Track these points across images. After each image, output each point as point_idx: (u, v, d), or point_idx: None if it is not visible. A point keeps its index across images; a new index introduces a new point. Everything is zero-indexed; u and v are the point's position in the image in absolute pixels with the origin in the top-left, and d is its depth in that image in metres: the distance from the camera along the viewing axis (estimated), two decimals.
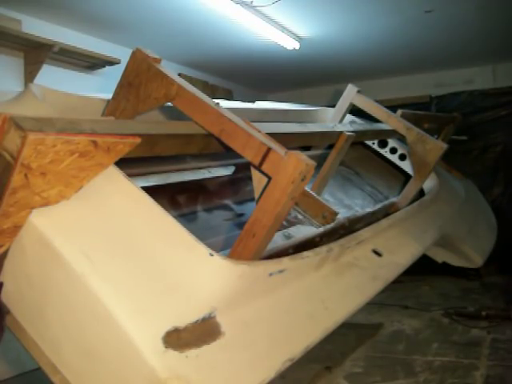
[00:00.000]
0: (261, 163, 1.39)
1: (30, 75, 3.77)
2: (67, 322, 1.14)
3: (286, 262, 1.47)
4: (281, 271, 1.41)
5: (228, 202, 2.32)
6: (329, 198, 2.88)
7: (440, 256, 3.47)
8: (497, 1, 3.76)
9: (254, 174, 1.47)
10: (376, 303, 4.12)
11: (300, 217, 2.23)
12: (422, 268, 4.04)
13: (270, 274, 1.37)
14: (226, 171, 2.46)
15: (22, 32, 3.57)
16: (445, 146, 2.88)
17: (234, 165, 2.47)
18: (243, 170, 2.40)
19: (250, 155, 1.42)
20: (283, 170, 1.34)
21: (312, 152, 3.27)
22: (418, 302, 4.21)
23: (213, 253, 1.20)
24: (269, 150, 1.38)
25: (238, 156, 2.24)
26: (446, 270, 4.37)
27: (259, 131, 1.50)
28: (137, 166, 1.80)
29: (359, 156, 3.86)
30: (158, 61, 1.63)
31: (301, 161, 1.33)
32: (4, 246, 1.15)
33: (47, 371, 1.16)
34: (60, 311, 1.14)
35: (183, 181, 2.16)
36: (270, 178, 1.39)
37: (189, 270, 1.19)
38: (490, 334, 3.35)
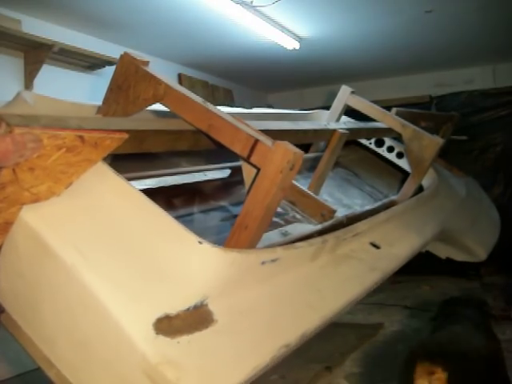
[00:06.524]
0: (249, 155, 1.40)
1: (29, 75, 3.77)
2: (60, 315, 1.15)
3: (279, 251, 1.47)
4: (274, 260, 1.42)
5: (224, 203, 2.32)
6: (327, 198, 2.88)
7: (443, 252, 3.46)
8: (497, 1, 3.76)
9: (244, 166, 1.49)
10: (376, 303, 4.12)
11: (298, 216, 2.23)
12: (422, 268, 4.04)
13: (263, 263, 1.37)
14: (221, 174, 2.46)
15: (21, 32, 3.57)
16: (441, 140, 2.86)
17: (230, 168, 2.47)
18: (238, 173, 2.40)
19: (238, 148, 1.43)
20: (271, 160, 1.36)
21: (309, 155, 3.26)
22: (418, 302, 4.21)
23: (202, 240, 1.21)
24: (256, 141, 1.39)
25: (233, 159, 2.24)
26: (446, 269, 4.38)
27: (247, 125, 1.51)
28: (132, 169, 1.81)
29: (357, 157, 3.87)
30: (145, 63, 1.65)
31: (288, 150, 1.34)
32: None
33: (43, 366, 1.17)
34: (53, 305, 1.16)
35: (179, 184, 2.16)
36: (259, 170, 1.40)
37: (178, 258, 1.20)
38: None
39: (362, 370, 3.04)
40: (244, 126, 1.48)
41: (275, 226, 2.08)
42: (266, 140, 1.42)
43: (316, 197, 2.30)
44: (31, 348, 1.18)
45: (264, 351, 1.20)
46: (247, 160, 1.43)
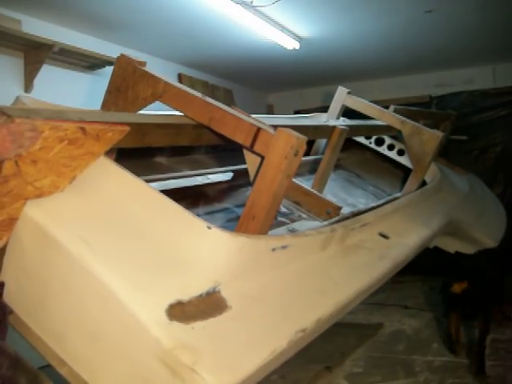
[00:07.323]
0: (252, 144, 1.41)
1: (29, 75, 3.77)
2: (69, 309, 1.14)
3: (288, 238, 1.47)
4: (284, 247, 1.41)
5: (228, 205, 2.32)
6: (332, 198, 2.89)
7: (452, 246, 3.46)
8: (496, 1, 3.76)
9: (247, 156, 1.49)
10: (376, 303, 4.12)
11: (304, 216, 2.23)
12: (422, 268, 4.04)
13: (273, 249, 1.36)
14: (224, 177, 2.47)
15: (22, 32, 3.57)
16: (441, 134, 2.85)
17: (232, 171, 2.48)
18: (241, 176, 2.40)
19: (240, 138, 1.44)
20: (274, 147, 1.36)
21: (309, 157, 3.26)
22: (418, 302, 4.21)
23: (210, 225, 1.20)
24: (259, 129, 1.40)
25: (236, 162, 2.23)
26: (446, 270, 4.37)
27: (248, 116, 1.51)
28: (136, 174, 1.84)
29: (358, 160, 3.89)
30: (142, 63, 1.67)
31: (291, 136, 1.34)
32: (1, 239, 1.15)
33: (54, 365, 1.15)
34: (61, 299, 1.14)
35: (182, 187, 2.16)
36: (263, 158, 1.40)
37: (187, 244, 1.19)
38: (490, 334, 3.35)
39: (362, 370, 3.04)
40: (245, 116, 1.49)
41: (282, 225, 2.08)
42: (268, 128, 1.42)
43: (320, 195, 2.30)
44: (41, 346, 1.17)
45: (280, 335, 1.19)
46: (250, 149, 1.43)
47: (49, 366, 1.17)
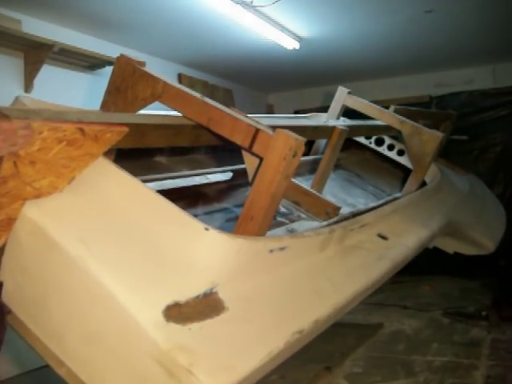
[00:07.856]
0: (251, 145, 1.41)
1: (29, 75, 3.77)
2: (68, 310, 1.14)
3: (286, 239, 1.47)
4: (282, 248, 1.41)
5: (227, 205, 2.32)
6: (332, 198, 2.89)
7: (451, 247, 3.46)
8: (497, 0, 3.76)
9: (246, 157, 1.49)
10: (376, 303, 4.12)
11: (303, 216, 2.23)
12: (422, 268, 4.05)
13: (271, 251, 1.36)
14: (223, 177, 2.47)
15: (22, 32, 3.57)
16: (441, 135, 2.85)
17: (232, 171, 2.48)
18: (241, 176, 2.41)
19: (239, 139, 1.44)
20: (273, 148, 1.36)
21: (309, 157, 3.27)
22: (418, 302, 4.21)
23: (208, 227, 1.19)
24: (257, 130, 1.40)
25: (236, 162, 2.24)
26: (446, 269, 4.38)
27: (246, 116, 1.51)
28: (135, 174, 1.86)
29: (357, 160, 3.89)
30: (142, 63, 1.67)
31: (290, 137, 1.34)
32: (0, 239, 1.15)
33: (52, 365, 1.15)
34: (60, 300, 1.14)
35: (181, 186, 2.16)
36: (261, 159, 1.40)
37: (184, 246, 1.19)
38: (489, 334, 3.35)
39: (362, 370, 3.04)
40: (243, 117, 1.49)
41: (281, 225, 2.08)
42: (266, 129, 1.42)
43: (319, 195, 2.30)
44: (40, 347, 1.17)
45: (277, 337, 1.19)
46: (249, 150, 1.43)
47: (47, 366, 1.17)
